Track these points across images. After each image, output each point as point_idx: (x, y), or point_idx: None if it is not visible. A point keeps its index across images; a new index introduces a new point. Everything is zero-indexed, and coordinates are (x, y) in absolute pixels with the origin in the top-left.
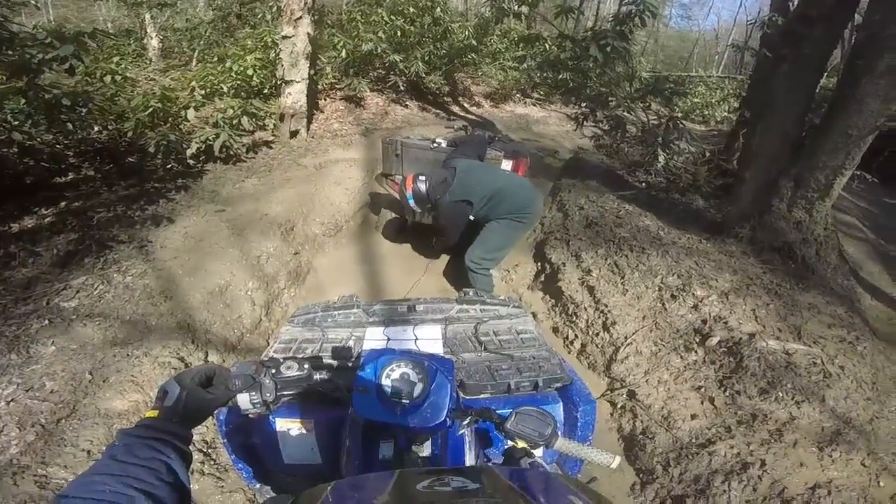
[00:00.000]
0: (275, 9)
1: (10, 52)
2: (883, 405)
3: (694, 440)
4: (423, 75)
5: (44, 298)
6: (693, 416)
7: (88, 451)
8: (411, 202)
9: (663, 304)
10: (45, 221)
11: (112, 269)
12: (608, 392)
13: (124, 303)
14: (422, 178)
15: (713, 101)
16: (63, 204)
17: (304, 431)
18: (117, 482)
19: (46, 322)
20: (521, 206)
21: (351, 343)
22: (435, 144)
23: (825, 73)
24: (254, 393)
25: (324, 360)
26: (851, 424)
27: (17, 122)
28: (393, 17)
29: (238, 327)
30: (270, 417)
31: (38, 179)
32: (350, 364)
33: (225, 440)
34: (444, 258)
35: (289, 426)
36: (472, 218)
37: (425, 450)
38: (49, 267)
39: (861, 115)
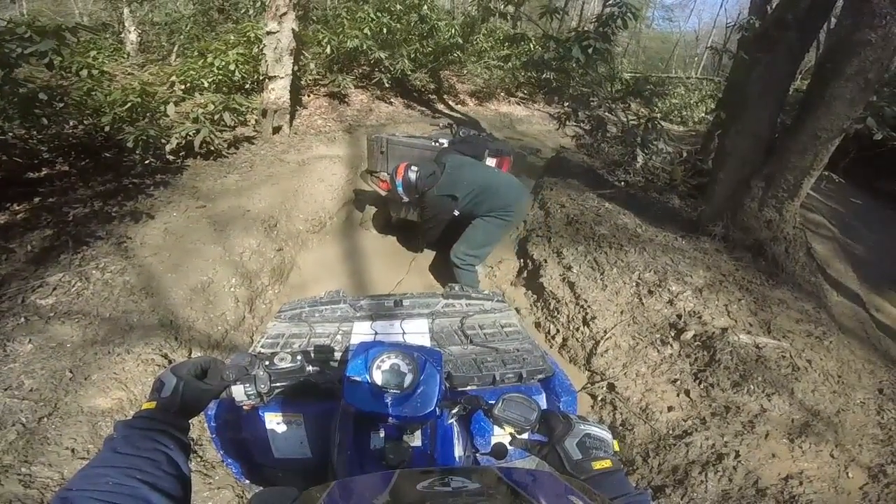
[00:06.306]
0: (258, 4)
1: None
2: (849, 398)
3: (671, 432)
4: (409, 73)
5: (19, 296)
6: (670, 409)
7: (73, 450)
8: (400, 189)
9: (640, 300)
10: (18, 217)
11: (90, 266)
12: (588, 385)
13: (104, 300)
14: (413, 168)
15: (691, 102)
16: (37, 200)
17: (293, 425)
18: (120, 474)
19: (23, 320)
20: (506, 205)
21: (339, 337)
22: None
23: (800, 76)
24: (248, 384)
25: (315, 353)
26: (819, 416)
27: None
28: (379, 14)
29: (222, 324)
30: (260, 412)
31: (10, 174)
32: (340, 357)
33: (214, 435)
34: (429, 254)
35: (278, 420)
36: (456, 213)
37: (416, 440)
38: (23, 264)
39: (829, 118)
